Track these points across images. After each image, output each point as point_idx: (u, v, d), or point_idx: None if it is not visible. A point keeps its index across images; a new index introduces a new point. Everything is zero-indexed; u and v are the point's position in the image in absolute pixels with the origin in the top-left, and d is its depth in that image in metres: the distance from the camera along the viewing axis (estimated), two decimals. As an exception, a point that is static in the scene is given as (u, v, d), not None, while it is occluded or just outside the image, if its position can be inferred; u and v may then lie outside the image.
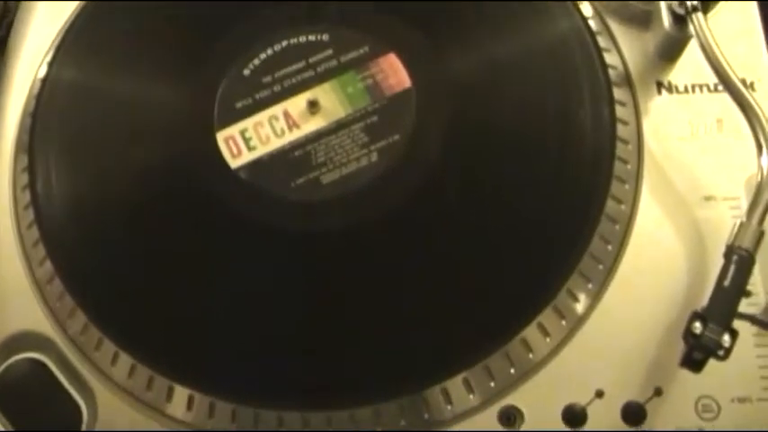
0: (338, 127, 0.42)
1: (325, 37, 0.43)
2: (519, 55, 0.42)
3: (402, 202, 0.40)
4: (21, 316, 0.42)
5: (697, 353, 0.35)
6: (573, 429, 0.38)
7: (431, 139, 0.41)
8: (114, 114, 0.44)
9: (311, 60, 0.43)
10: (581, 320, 0.39)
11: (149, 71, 0.44)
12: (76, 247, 0.41)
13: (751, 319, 0.37)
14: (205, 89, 0.43)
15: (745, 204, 0.40)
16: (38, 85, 0.46)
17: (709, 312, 0.36)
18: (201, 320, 0.39)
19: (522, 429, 0.38)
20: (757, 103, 0.38)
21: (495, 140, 0.41)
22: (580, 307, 0.39)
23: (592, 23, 0.44)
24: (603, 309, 0.39)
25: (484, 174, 0.40)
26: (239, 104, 0.43)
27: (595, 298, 0.40)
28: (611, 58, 0.43)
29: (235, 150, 0.42)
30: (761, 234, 0.37)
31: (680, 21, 0.42)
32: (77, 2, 0.48)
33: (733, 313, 0.36)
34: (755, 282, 0.39)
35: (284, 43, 0.44)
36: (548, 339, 0.39)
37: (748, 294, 0.37)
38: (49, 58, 0.46)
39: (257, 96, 0.43)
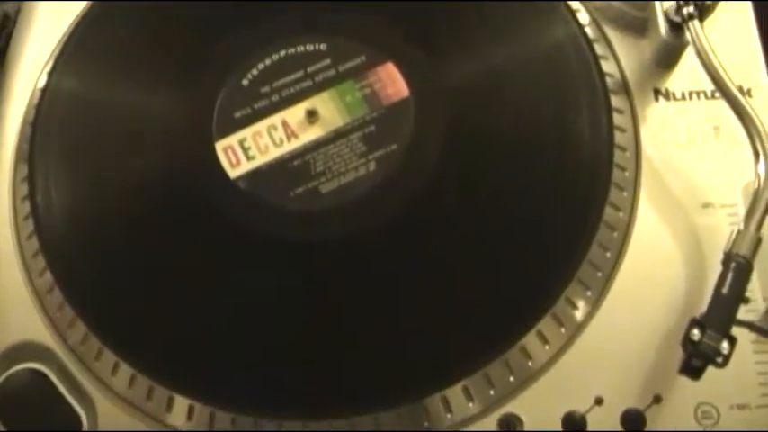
0: (336, 136, 0.42)
1: (323, 46, 0.44)
2: (516, 63, 0.42)
3: (400, 211, 0.40)
4: (21, 326, 0.42)
5: (696, 360, 0.36)
6: (572, 437, 0.38)
7: (429, 149, 0.41)
8: (113, 125, 0.44)
9: (309, 70, 0.43)
10: (580, 328, 0.39)
11: (149, 81, 0.44)
12: (76, 258, 0.41)
13: (749, 325, 0.37)
14: (204, 99, 0.43)
15: (742, 211, 0.40)
16: (38, 94, 0.46)
17: (708, 319, 0.36)
18: (201, 330, 0.39)
19: (521, 437, 0.38)
20: (754, 111, 0.39)
21: (493, 149, 0.41)
22: (579, 314, 0.40)
23: (589, 31, 0.44)
24: (602, 316, 0.40)
25: (482, 182, 0.40)
26: (238, 114, 0.43)
27: (594, 305, 0.40)
28: (608, 66, 0.43)
29: (234, 160, 0.42)
30: (758, 241, 0.37)
31: (676, 28, 0.42)
32: (77, 13, 0.48)
33: (731, 320, 0.36)
34: (754, 288, 0.39)
35: (282, 53, 0.44)
36: (547, 347, 0.39)
37: (747, 301, 0.37)
38: (48, 68, 0.47)
39: (256, 106, 0.43)
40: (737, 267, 0.36)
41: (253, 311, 0.39)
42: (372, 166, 0.41)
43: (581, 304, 0.40)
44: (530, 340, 0.38)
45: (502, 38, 0.43)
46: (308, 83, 0.43)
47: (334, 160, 0.41)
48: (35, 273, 0.43)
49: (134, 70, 0.45)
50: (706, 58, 0.40)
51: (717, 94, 0.41)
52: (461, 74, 0.42)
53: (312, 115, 0.42)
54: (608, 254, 0.40)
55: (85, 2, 0.48)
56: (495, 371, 0.38)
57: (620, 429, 0.38)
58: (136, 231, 0.41)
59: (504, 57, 0.43)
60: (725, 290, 0.36)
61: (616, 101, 0.42)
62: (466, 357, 0.38)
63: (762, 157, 0.38)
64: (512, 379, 0.39)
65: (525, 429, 0.38)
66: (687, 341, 0.36)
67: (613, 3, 0.45)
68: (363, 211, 0.40)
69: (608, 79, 0.42)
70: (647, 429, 0.38)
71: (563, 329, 0.39)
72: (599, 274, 0.40)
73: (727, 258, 0.37)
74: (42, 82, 0.46)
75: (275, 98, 0.43)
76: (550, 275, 0.39)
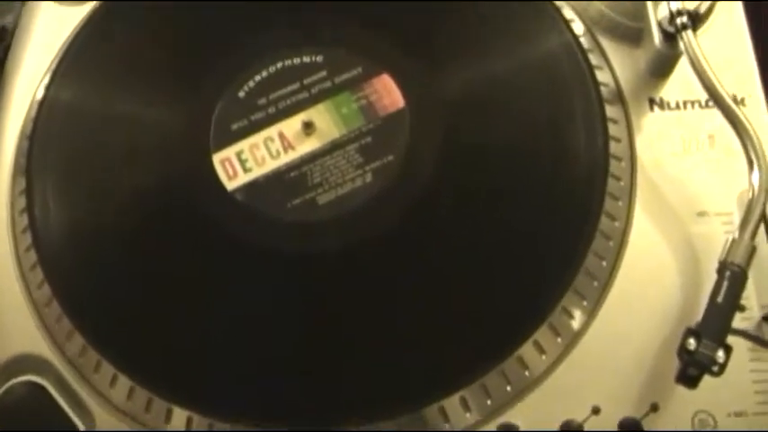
0: (333, 148, 0.42)
1: (320, 58, 0.44)
2: (511, 74, 0.43)
3: (397, 222, 0.40)
4: (19, 339, 0.42)
5: (692, 369, 0.36)
6: (570, 446, 0.38)
7: (425, 159, 0.41)
8: (111, 137, 0.44)
9: (306, 82, 0.43)
10: (576, 337, 0.40)
11: (146, 94, 0.45)
12: (74, 271, 0.41)
13: (744, 334, 0.38)
14: (201, 111, 0.43)
15: (737, 219, 0.40)
16: (35, 107, 0.46)
17: (703, 329, 0.36)
18: (199, 342, 0.39)
19: (519, 446, 0.38)
20: (747, 119, 0.39)
21: (488, 160, 0.41)
22: (575, 324, 0.40)
23: (583, 41, 0.44)
24: (599, 325, 0.40)
25: (478, 193, 0.40)
26: (235, 126, 0.43)
27: (590, 315, 0.40)
28: (603, 76, 0.44)
29: (231, 172, 0.42)
30: (753, 249, 0.37)
31: (670, 38, 0.42)
32: (74, 26, 0.48)
33: (727, 329, 0.36)
34: (749, 296, 0.39)
35: (279, 65, 0.44)
36: (544, 357, 0.39)
37: (742, 309, 0.38)
38: (46, 81, 0.47)
39: (253, 118, 0.43)
40: (732, 276, 0.37)
41: (250, 323, 0.39)
42: (369, 178, 0.41)
43: (577, 314, 0.40)
44: (526, 350, 0.38)
45: (496, 49, 0.43)
46: (305, 94, 0.43)
47: (330, 172, 0.41)
48: (33, 285, 0.43)
49: (131, 83, 0.45)
50: (700, 67, 0.40)
51: (711, 103, 0.41)
52: (457, 85, 0.43)
53: (309, 127, 0.42)
54: (604, 263, 0.40)
55: (82, 15, 0.48)
56: (492, 381, 0.38)
57: (618, 438, 0.38)
58: (133, 244, 0.41)
59: (499, 67, 0.43)
60: (720, 299, 0.36)
61: (611, 110, 0.43)
62: (463, 368, 0.38)
63: (755, 166, 0.38)
64: (509, 389, 0.39)
65: (523, 439, 0.38)
66: (683, 350, 0.36)
67: (607, 13, 0.45)
68: (360, 222, 0.40)
69: (603, 89, 0.43)
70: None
71: (559, 339, 0.39)
72: (595, 283, 0.40)
73: (722, 267, 0.37)
74: (40, 95, 0.46)
75: (272, 110, 0.43)
76: (547, 285, 0.39)
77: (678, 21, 0.41)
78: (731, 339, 0.36)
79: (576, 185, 0.40)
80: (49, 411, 0.40)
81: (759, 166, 0.38)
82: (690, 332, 0.36)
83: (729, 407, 0.38)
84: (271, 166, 0.42)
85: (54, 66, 0.47)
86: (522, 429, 0.38)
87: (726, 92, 0.40)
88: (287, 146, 0.42)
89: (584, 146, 0.41)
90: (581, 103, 0.42)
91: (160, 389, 0.39)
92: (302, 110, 0.43)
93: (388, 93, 0.43)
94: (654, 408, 0.38)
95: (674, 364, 0.37)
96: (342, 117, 0.43)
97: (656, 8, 0.42)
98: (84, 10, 0.49)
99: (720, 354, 0.35)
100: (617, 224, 0.41)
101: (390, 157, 0.41)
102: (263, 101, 0.43)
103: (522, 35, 0.44)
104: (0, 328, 0.42)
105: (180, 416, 0.39)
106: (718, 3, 0.44)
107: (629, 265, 0.41)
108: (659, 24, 0.42)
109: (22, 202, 0.44)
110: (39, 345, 0.42)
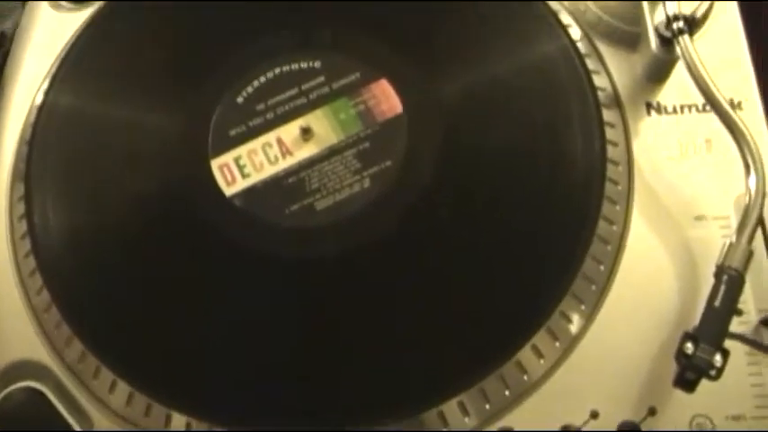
0: (331, 153, 0.42)
1: (318, 64, 0.44)
2: (508, 79, 0.43)
3: (395, 228, 0.40)
4: (18, 344, 0.42)
5: (689, 373, 0.36)
6: (568, 450, 0.38)
7: (423, 165, 0.41)
8: (110, 143, 0.44)
9: (304, 87, 0.44)
10: (575, 341, 0.40)
11: (144, 100, 0.45)
12: (73, 277, 0.41)
13: (742, 338, 0.38)
14: (199, 117, 0.44)
15: (735, 223, 0.40)
16: (34, 112, 0.46)
17: (701, 333, 0.36)
18: (198, 348, 0.39)
19: (517, 451, 0.38)
20: (744, 124, 0.39)
21: (486, 165, 0.41)
22: (573, 328, 0.40)
23: (580, 46, 0.44)
24: (597, 329, 0.40)
25: (476, 198, 0.41)
26: (233, 132, 0.43)
27: (588, 319, 0.40)
28: (600, 80, 0.44)
29: (229, 178, 0.42)
30: (750, 253, 0.37)
31: (667, 43, 0.42)
32: (73, 31, 0.48)
33: (724, 333, 0.36)
34: (746, 300, 0.39)
35: (277, 71, 0.44)
36: (542, 361, 0.39)
37: (740, 313, 0.38)
38: (45, 86, 0.47)
39: (251, 124, 0.43)
40: (729, 280, 0.37)
41: (249, 328, 0.39)
42: (367, 183, 0.41)
43: (575, 318, 0.40)
44: (525, 354, 0.39)
45: (494, 54, 0.43)
46: (303, 100, 0.43)
47: (328, 177, 0.42)
48: (32, 291, 0.43)
49: (129, 89, 0.45)
50: (696, 72, 0.40)
51: (708, 108, 0.41)
52: (455, 90, 0.43)
53: (307, 132, 0.42)
54: (602, 267, 0.40)
55: (81, 20, 0.49)
56: (490, 385, 0.38)
57: (616, 442, 0.38)
58: (132, 250, 0.42)
59: (497, 73, 0.43)
60: (717, 303, 0.36)
61: (608, 115, 0.43)
62: (461, 372, 0.38)
63: (752, 170, 0.38)
64: (507, 393, 0.39)
65: (521, 443, 0.38)
66: (680, 354, 0.36)
67: (604, 17, 0.45)
68: (358, 227, 0.40)
69: (600, 93, 0.43)
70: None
71: (558, 343, 0.39)
72: (593, 287, 0.40)
73: (720, 271, 0.37)
74: (39, 100, 0.47)
75: (270, 116, 0.43)
76: (545, 289, 0.39)
77: (675, 25, 0.41)
78: (728, 343, 0.36)
79: (573, 190, 0.40)
80: (49, 417, 0.40)
81: (756, 169, 0.38)
82: (687, 336, 0.36)
83: (727, 410, 0.38)
84: (269, 171, 0.42)
85: (53, 71, 0.47)
86: (520, 434, 0.39)
87: (722, 96, 0.40)
88: (285, 151, 0.42)
89: (582, 150, 0.41)
90: (578, 107, 0.42)
91: (159, 394, 0.39)
92: (300, 115, 0.43)
93: (385, 98, 0.43)
94: (652, 411, 0.38)
95: (672, 368, 0.37)
96: (340, 123, 0.43)
97: (652, 13, 0.43)
98: (84, 15, 0.49)
99: (718, 358, 0.35)
100: (615, 228, 0.41)
101: (388, 163, 0.41)
102: (261, 106, 0.43)
103: (519, 40, 0.44)
104: (-1, 333, 0.43)
105: (179, 421, 0.39)
106: (715, 6, 0.44)
107: (627, 269, 0.41)
108: (656, 29, 0.42)
109: (21, 207, 0.44)
110: (38, 351, 0.42)
